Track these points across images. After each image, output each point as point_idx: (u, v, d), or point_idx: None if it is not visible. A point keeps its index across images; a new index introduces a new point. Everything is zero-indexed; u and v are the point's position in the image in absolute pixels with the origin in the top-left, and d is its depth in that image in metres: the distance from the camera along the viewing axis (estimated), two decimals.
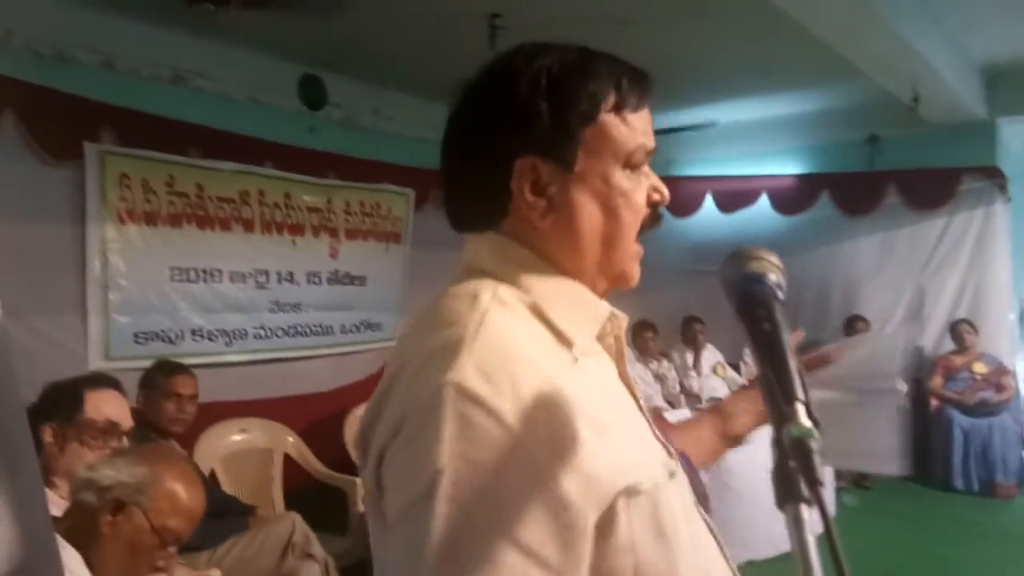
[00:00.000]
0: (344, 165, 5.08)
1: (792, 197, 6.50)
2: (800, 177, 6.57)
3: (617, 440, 0.73)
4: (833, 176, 6.44)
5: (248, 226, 4.55)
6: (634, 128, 0.81)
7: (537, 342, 0.75)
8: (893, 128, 6.14)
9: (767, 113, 6.27)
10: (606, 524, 0.69)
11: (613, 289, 0.86)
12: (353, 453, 4.44)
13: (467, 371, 0.68)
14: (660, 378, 5.88)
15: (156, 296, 4.11)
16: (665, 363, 6.07)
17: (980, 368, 5.77)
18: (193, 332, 4.30)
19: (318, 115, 5.03)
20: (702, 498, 0.88)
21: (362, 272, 5.30)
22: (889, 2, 3.82)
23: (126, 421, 2.09)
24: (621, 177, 0.80)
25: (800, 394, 0.62)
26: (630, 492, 0.71)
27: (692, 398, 5.78)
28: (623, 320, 0.87)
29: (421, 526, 0.67)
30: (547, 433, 0.68)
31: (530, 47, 0.82)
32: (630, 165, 0.81)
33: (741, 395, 1.21)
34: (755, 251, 0.77)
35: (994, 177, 5.94)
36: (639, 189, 0.82)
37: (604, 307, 0.83)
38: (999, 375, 5.75)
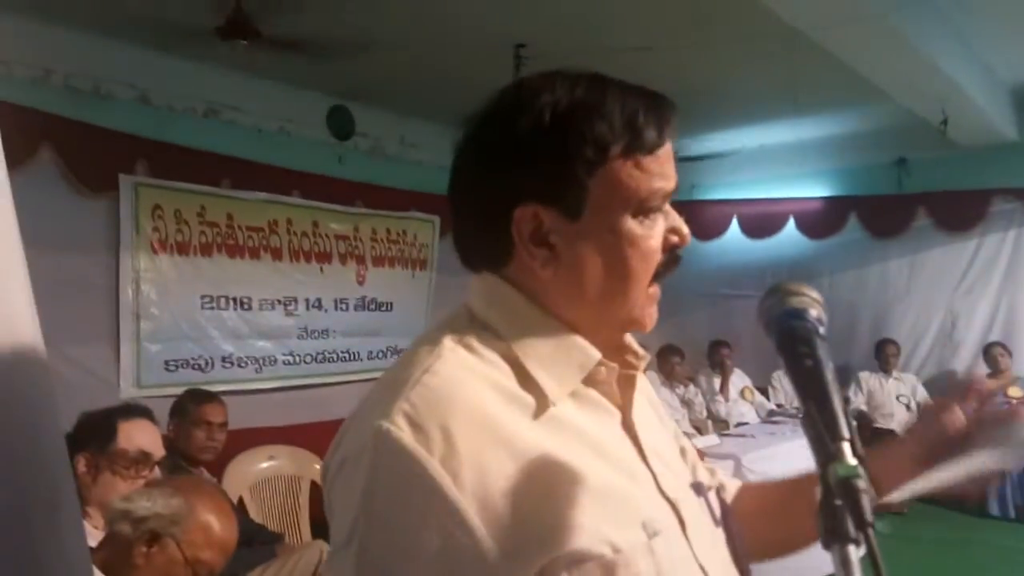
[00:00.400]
0: (371, 193, 5.15)
1: (820, 220, 6.46)
2: (828, 200, 6.52)
3: (572, 498, 0.68)
4: (861, 199, 6.39)
5: (277, 254, 4.61)
6: (649, 172, 0.73)
7: (497, 391, 0.70)
8: (922, 150, 6.08)
9: (794, 137, 6.25)
10: None
11: (625, 332, 0.81)
12: None
13: (396, 419, 0.66)
14: (687, 403, 5.82)
15: (187, 324, 4.17)
16: (692, 388, 6.02)
17: (1015, 392, 5.64)
18: (223, 359, 4.35)
19: (346, 145, 5.12)
20: (740, 558, 0.83)
21: (389, 298, 5.34)
22: (915, 25, 3.80)
23: (158, 451, 2.11)
24: (632, 225, 0.74)
25: (845, 432, 0.62)
26: (574, 558, 0.66)
27: (720, 423, 5.72)
28: (641, 359, 0.82)
29: (342, 569, 0.67)
30: (474, 487, 0.65)
31: (538, 80, 0.75)
32: (643, 212, 0.74)
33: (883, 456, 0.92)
34: (796, 286, 0.76)
35: None
36: (653, 235, 0.75)
37: (592, 354, 0.76)
38: None
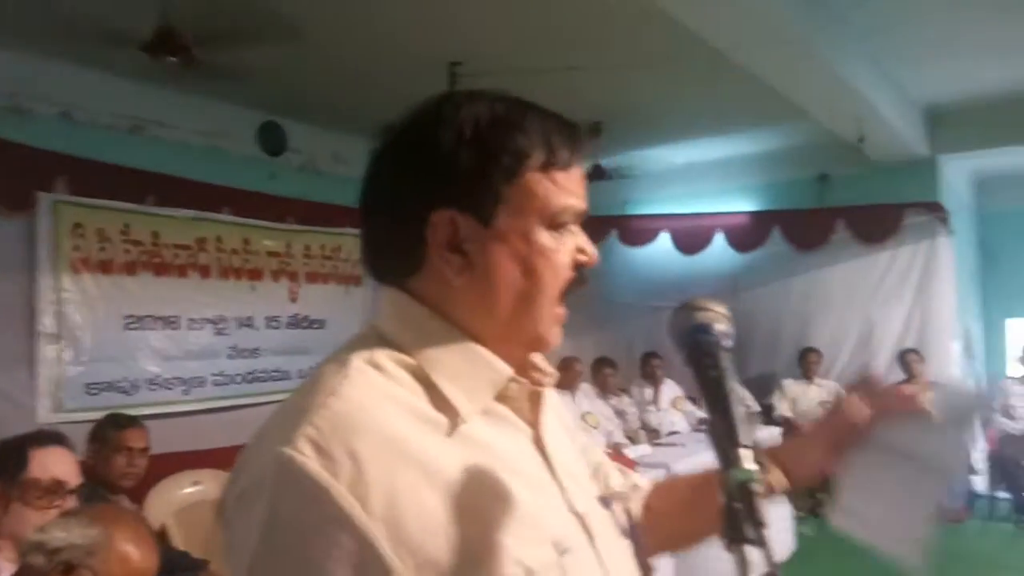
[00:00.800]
0: (303, 210, 5.09)
1: (746, 234, 6.66)
2: (753, 214, 6.74)
3: (484, 518, 0.68)
4: (785, 213, 6.63)
5: (205, 272, 4.51)
6: (562, 187, 0.76)
7: (406, 410, 0.69)
8: (841, 166, 6.35)
9: (721, 154, 6.46)
10: None
11: (530, 352, 0.81)
12: None
13: (300, 444, 0.64)
14: (620, 414, 5.91)
15: (110, 345, 4.04)
16: (626, 399, 6.11)
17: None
18: (149, 381, 4.22)
19: (277, 161, 5.05)
20: (645, 568, 0.86)
21: (322, 315, 5.27)
22: (832, 48, 3.99)
23: (73, 479, 2.02)
24: (544, 236, 0.75)
25: (744, 439, 0.65)
26: None
27: (652, 433, 5.82)
28: (548, 376, 0.83)
29: None
30: (383, 512, 0.63)
31: (460, 95, 0.78)
32: (554, 225, 0.76)
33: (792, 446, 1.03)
34: (703, 302, 0.80)
35: (936, 212, 6.17)
36: (563, 249, 0.77)
37: (503, 370, 0.76)
38: None
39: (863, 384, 0.96)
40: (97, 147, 4.05)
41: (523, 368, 0.80)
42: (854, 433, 0.91)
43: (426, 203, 0.74)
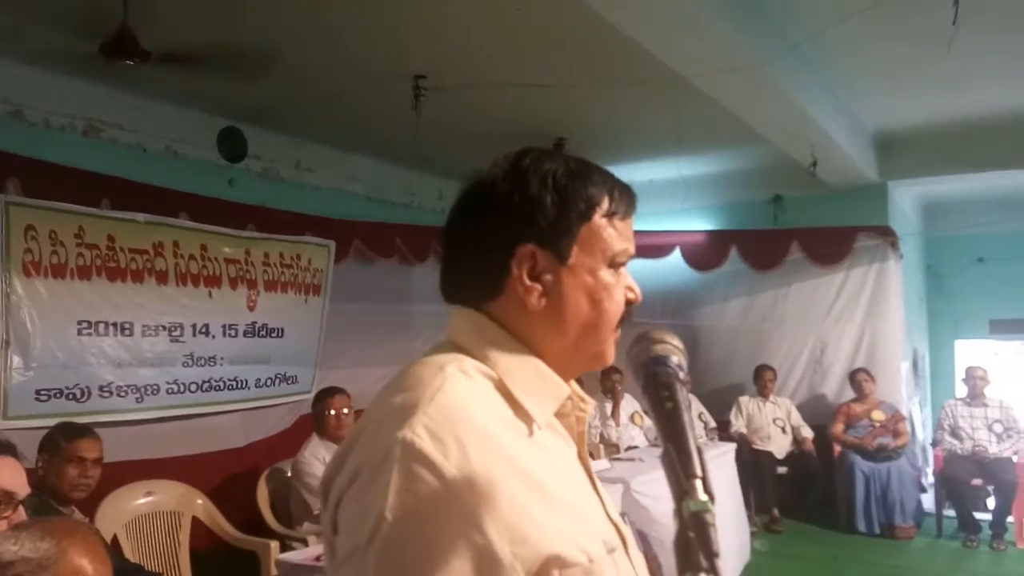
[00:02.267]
0: (263, 217, 5.03)
1: (704, 253, 6.79)
2: (711, 234, 6.88)
3: (557, 510, 0.78)
4: (741, 233, 6.78)
5: (162, 278, 4.43)
6: (621, 233, 0.91)
7: (493, 412, 0.81)
8: (795, 189, 6.53)
9: (680, 173, 6.57)
10: None
11: (589, 368, 0.94)
12: (265, 511, 4.31)
13: (417, 429, 0.75)
14: None
15: (62, 351, 3.94)
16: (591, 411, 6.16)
17: (878, 415, 6.09)
18: (101, 388, 4.12)
19: (238, 167, 4.99)
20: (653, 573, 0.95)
21: (280, 324, 5.21)
22: (787, 75, 4.11)
23: (22, 489, 1.98)
24: (606, 274, 0.90)
25: (698, 470, 0.69)
26: (562, 562, 0.76)
27: (611, 447, 5.87)
28: (588, 404, 0.95)
29: (361, 568, 0.74)
30: (485, 493, 0.73)
31: (537, 152, 0.92)
32: (614, 265, 0.90)
33: None
34: (660, 334, 0.85)
35: (887, 235, 6.38)
36: (619, 287, 0.91)
37: (564, 388, 0.89)
38: (895, 421, 6.07)
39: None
40: (50, 148, 3.95)
41: (573, 382, 0.93)
42: None
43: (514, 238, 0.87)
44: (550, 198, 0.87)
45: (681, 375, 0.81)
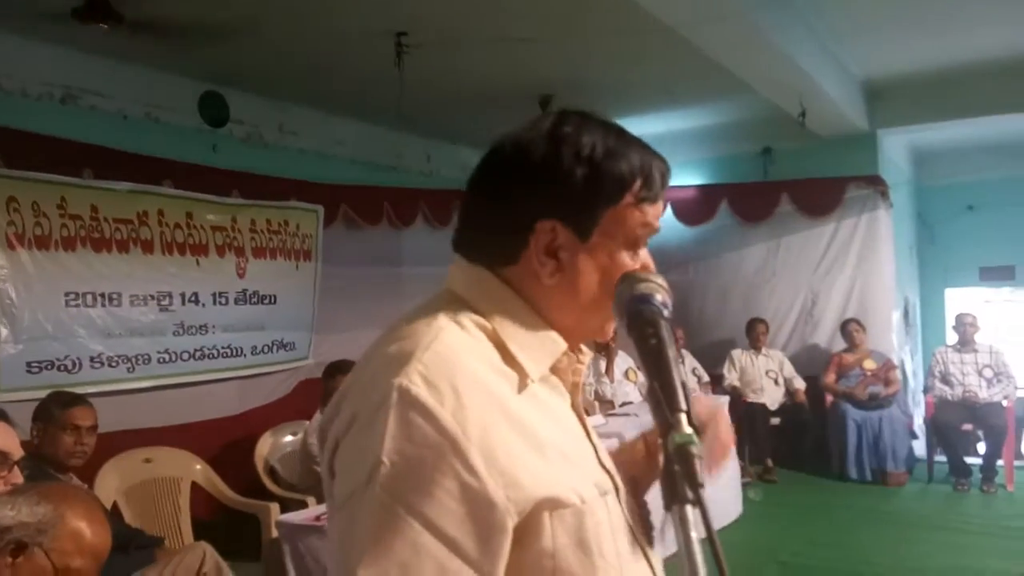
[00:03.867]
0: (248, 182, 4.98)
1: (695, 208, 6.75)
2: (701, 188, 6.84)
3: (549, 455, 0.80)
4: (731, 187, 6.75)
5: (148, 247, 4.39)
6: (647, 215, 0.89)
7: (487, 363, 0.82)
8: (784, 140, 6.49)
9: (668, 127, 6.52)
10: (530, 529, 0.77)
11: (586, 340, 0.95)
12: (264, 476, 4.34)
13: (413, 377, 0.76)
14: None
15: (50, 323, 3.92)
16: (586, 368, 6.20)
17: (870, 364, 6.15)
18: (92, 359, 4.11)
19: (220, 132, 4.93)
20: (647, 528, 0.96)
21: (272, 291, 5.19)
22: (774, 23, 4.06)
23: (16, 451, 1.99)
24: (624, 256, 0.88)
25: (683, 404, 0.68)
26: (555, 504, 0.78)
27: (606, 404, 5.92)
28: (585, 356, 0.96)
29: (358, 511, 0.75)
30: (480, 438, 0.75)
31: (577, 119, 0.88)
32: (633, 247, 0.89)
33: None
34: (643, 273, 0.83)
35: (877, 185, 6.36)
36: (634, 267, 0.90)
37: (560, 343, 0.89)
38: (887, 370, 6.13)
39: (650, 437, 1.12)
40: (29, 117, 3.89)
41: (572, 348, 0.93)
42: (637, 475, 1.06)
43: (537, 211, 0.85)
44: (582, 174, 0.85)
45: (665, 312, 0.80)
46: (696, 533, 0.62)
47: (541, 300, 0.88)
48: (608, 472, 0.91)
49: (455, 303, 0.87)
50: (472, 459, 0.74)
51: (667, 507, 0.64)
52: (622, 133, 0.90)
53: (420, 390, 0.75)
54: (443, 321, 0.83)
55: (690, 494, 0.62)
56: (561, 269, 0.86)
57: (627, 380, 6.20)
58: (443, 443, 0.74)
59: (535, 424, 0.81)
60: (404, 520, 0.73)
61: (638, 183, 0.87)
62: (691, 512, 0.62)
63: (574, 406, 0.94)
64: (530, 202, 0.86)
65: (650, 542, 0.95)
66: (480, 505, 0.74)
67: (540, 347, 0.87)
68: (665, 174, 0.91)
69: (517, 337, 0.86)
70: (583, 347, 0.96)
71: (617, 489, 0.90)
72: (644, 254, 0.93)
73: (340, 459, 0.81)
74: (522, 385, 0.84)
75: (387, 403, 0.75)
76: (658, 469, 1.05)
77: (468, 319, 0.85)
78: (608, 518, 0.84)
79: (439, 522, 0.73)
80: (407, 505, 0.73)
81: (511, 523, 0.76)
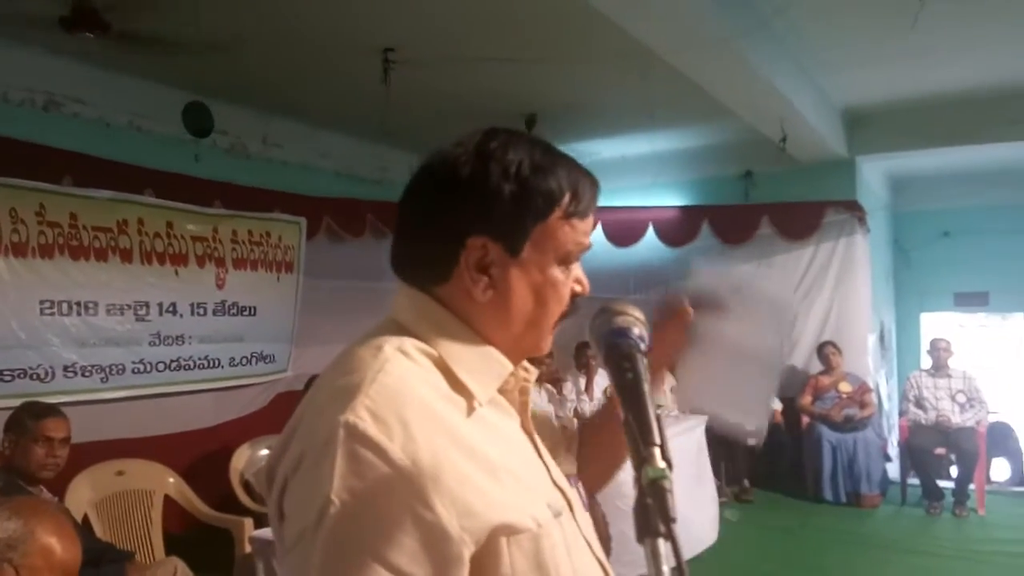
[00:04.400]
0: (231, 193, 4.96)
1: (677, 228, 6.79)
2: (684, 209, 6.90)
3: (502, 479, 0.80)
4: (713, 208, 6.80)
5: (126, 256, 4.35)
6: (577, 231, 0.90)
7: (434, 391, 0.81)
8: (765, 164, 6.57)
9: (651, 149, 6.58)
10: (488, 557, 0.77)
11: (527, 356, 0.95)
12: (238, 489, 4.30)
13: (360, 412, 0.75)
14: (556, 402, 5.99)
15: (24, 331, 3.87)
16: (568, 385, 6.21)
17: (845, 387, 6.20)
18: (65, 368, 4.06)
19: (204, 142, 4.91)
20: (603, 539, 0.97)
21: (252, 302, 5.15)
22: (756, 50, 4.12)
23: None
24: (556, 271, 0.89)
25: (656, 439, 0.69)
26: (510, 529, 0.78)
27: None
28: (532, 373, 0.97)
29: (309, 552, 0.74)
30: (431, 470, 0.74)
31: (505, 136, 0.89)
32: (565, 262, 0.90)
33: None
34: (621, 307, 0.85)
35: (854, 210, 6.44)
36: (567, 283, 0.91)
37: (507, 365, 0.90)
38: (862, 393, 6.19)
39: (676, 294, 1.24)
40: (9, 124, 3.85)
41: (515, 366, 0.94)
42: (683, 329, 1.19)
43: (467, 227, 0.85)
44: (509, 191, 0.85)
45: (643, 346, 0.81)
46: (667, 566, 0.63)
47: (477, 318, 0.88)
48: (561, 490, 0.91)
49: (399, 331, 0.87)
50: (424, 491, 0.73)
51: (639, 539, 0.64)
52: (549, 149, 0.90)
53: (367, 425, 0.74)
54: (388, 351, 0.82)
55: (662, 528, 0.63)
56: (493, 286, 0.87)
57: (605, 398, 6.20)
58: (394, 477, 0.73)
59: (486, 448, 0.81)
60: (357, 559, 0.72)
61: (567, 198, 0.88)
62: (663, 545, 0.63)
63: (524, 426, 0.94)
64: (459, 219, 0.86)
65: (607, 551, 0.96)
66: (435, 538, 0.73)
67: (487, 370, 0.88)
68: (594, 190, 0.92)
69: (463, 361, 0.85)
70: (529, 365, 0.97)
71: (571, 506, 0.91)
72: (577, 270, 0.94)
73: (288, 500, 0.80)
74: (470, 409, 0.83)
75: (334, 441, 0.74)
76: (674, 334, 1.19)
77: (412, 347, 0.84)
78: (563, 538, 0.84)
79: (393, 558, 0.72)
80: (359, 543, 0.73)
81: (467, 553, 0.75)
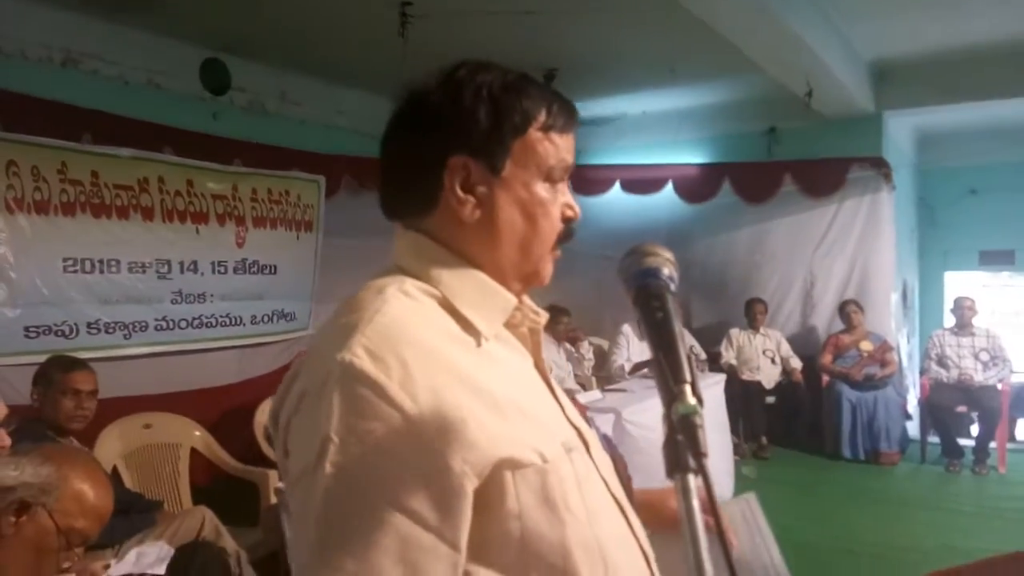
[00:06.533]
0: (250, 151, 4.95)
1: (697, 186, 6.73)
2: (704, 167, 6.81)
3: (508, 414, 0.80)
4: (734, 166, 6.71)
5: (148, 214, 4.37)
6: (558, 147, 0.89)
7: (438, 329, 0.82)
8: (789, 120, 6.45)
9: (673, 105, 6.48)
10: (493, 491, 0.77)
11: (527, 286, 0.94)
12: (263, 443, 4.37)
13: (357, 350, 0.76)
14: (574, 360, 6.01)
15: (48, 288, 3.91)
16: (586, 344, 6.21)
17: (866, 345, 6.17)
18: (89, 325, 4.11)
19: (221, 100, 4.89)
20: (625, 481, 0.98)
21: (272, 260, 5.18)
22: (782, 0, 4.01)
23: None
24: (541, 188, 0.89)
25: (687, 376, 0.69)
26: (515, 464, 0.78)
27: (603, 379, 5.94)
28: (542, 316, 0.96)
29: (311, 489, 0.74)
30: (430, 404, 0.75)
31: (473, 64, 0.89)
32: (550, 179, 0.90)
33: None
34: (651, 247, 0.84)
35: (880, 167, 6.32)
36: (556, 203, 0.91)
37: (510, 299, 0.90)
38: (883, 351, 6.15)
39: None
40: (28, 80, 3.85)
41: (520, 303, 0.93)
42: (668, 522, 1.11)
43: (445, 149, 0.86)
44: (484, 109, 0.86)
45: (672, 287, 0.80)
46: (697, 501, 0.63)
47: (469, 245, 0.88)
48: (576, 428, 0.92)
49: (401, 274, 0.88)
50: (423, 427, 0.74)
51: (669, 475, 0.64)
52: (520, 74, 0.90)
53: (365, 363, 0.75)
54: (389, 292, 0.83)
55: (693, 463, 0.63)
56: (480, 205, 0.87)
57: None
58: (392, 414, 0.73)
59: (491, 384, 0.81)
60: (359, 495, 0.73)
61: (543, 113, 0.88)
62: (693, 481, 0.63)
63: (537, 366, 0.95)
64: (437, 142, 0.87)
65: (629, 496, 0.96)
66: (436, 472, 0.74)
67: (491, 304, 0.88)
68: (571, 109, 0.92)
69: (466, 297, 0.86)
70: (538, 308, 0.97)
71: (587, 445, 0.91)
72: (565, 191, 0.93)
73: (292, 438, 0.80)
74: (478, 345, 0.85)
75: (333, 379, 0.75)
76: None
77: (414, 287, 0.85)
78: (574, 474, 0.84)
79: (394, 493, 0.73)
80: (360, 480, 0.73)
81: (470, 487, 0.75)
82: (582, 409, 3.99)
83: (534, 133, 0.88)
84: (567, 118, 0.91)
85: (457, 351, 0.81)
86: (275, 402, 0.86)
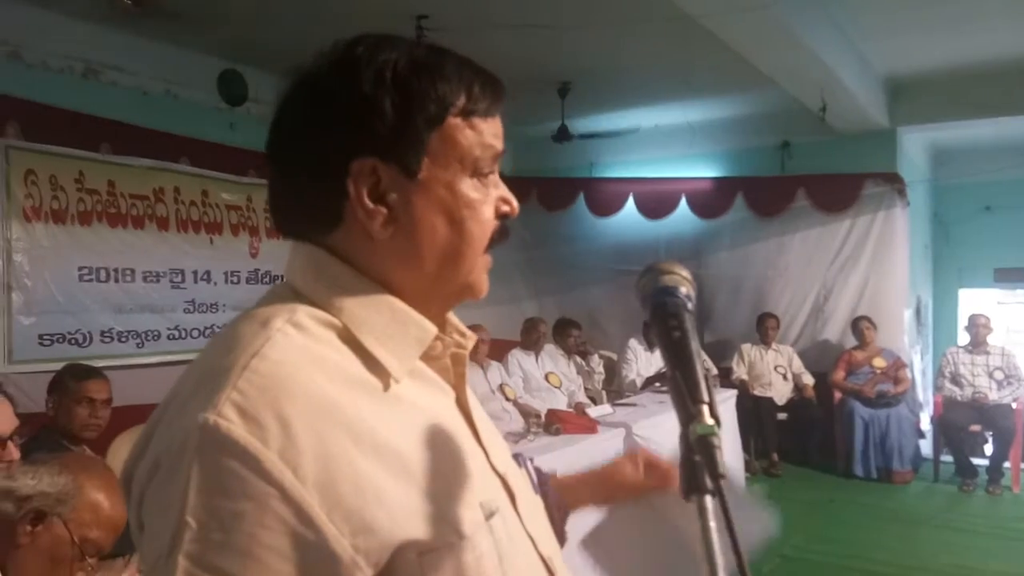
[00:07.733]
0: (265, 162, 4.98)
1: (709, 200, 6.72)
2: (717, 180, 6.80)
3: (417, 481, 0.67)
4: (748, 180, 6.70)
5: (163, 224, 4.42)
6: (483, 133, 0.74)
7: (334, 373, 0.66)
8: (803, 135, 6.44)
9: (686, 119, 6.48)
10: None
11: (459, 302, 0.78)
12: None
13: (225, 409, 0.60)
14: (584, 374, 6.00)
15: (63, 296, 3.96)
16: (596, 359, 6.20)
17: (879, 362, 6.12)
18: (103, 333, 4.15)
19: (238, 111, 4.93)
20: (557, 524, 0.92)
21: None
22: (797, 15, 4.01)
23: (7, 427, 1.98)
24: (468, 187, 0.73)
25: (704, 396, 0.68)
26: (422, 547, 0.66)
27: (613, 394, 5.92)
28: (468, 339, 0.80)
29: None
30: (317, 478, 0.61)
31: (374, 38, 0.73)
32: (478, 173, 0.74)
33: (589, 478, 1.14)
34: (669, 266, 0.83)
35: (894, 183, 6.30)
36: (487, 200, 0.75)
37: (429, 328, 0.74)
38: (896, 368, 6.10)
39: (640, 456, 1.11)
40: (49, 91, 3.91)
41: (443, 328, 0.78)
42: (623, 492, 1.07)
43: (347, 152, 0.69)
44: (390, 99, 0.69)
45: (690, 305, 0.80)
46: (715, 523, 0.62)
47: (382, 265, 0.72)
48: (501, 477, 0.79)
49: (293, 297, 0.72)
50: (306, 506, 0.60)
51: (686, 496, 0.64)
52: (433, 48, 0.74)
53: (234, 427, 0.60)
54: (275, 326, 0.67)
55: (710, 484, 0.63)
56: (394, 219, 0.71)
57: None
58: (268, 491, 0.59)
59: (399, 440, 0.67)
60: None
61: (462, 97, 0.72)
62: (710, 502, 0.63)
63: (460, 402, 0.79)
64: (336, 143, 0.70)
65: (560, 539, 0.91)
66: (319, 561, 0.61)
67: (404, 337, 0.72)
68: (495, 85, 0.75)
69: (374, 329, 0.70)
70: (465, 329, 0.81)
71: (513, 496, 0.79)
72: (498, 182, 0.77)
73: (145, 514, 0.65)
74: (383, 390, 0.69)
75: (191, 446, 0.60)
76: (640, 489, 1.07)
77: (309, 318, 0.69)
78: (494, 546, 0.71)
79: None
80: (221, 574, 0.59)
81: None
82: (592, 424, 3.94)
83: (453, 121, 0.71)
84: (492, 98, 0.74)
85: (358, 400, 0.66)
86: (127, 463, 0.68)
